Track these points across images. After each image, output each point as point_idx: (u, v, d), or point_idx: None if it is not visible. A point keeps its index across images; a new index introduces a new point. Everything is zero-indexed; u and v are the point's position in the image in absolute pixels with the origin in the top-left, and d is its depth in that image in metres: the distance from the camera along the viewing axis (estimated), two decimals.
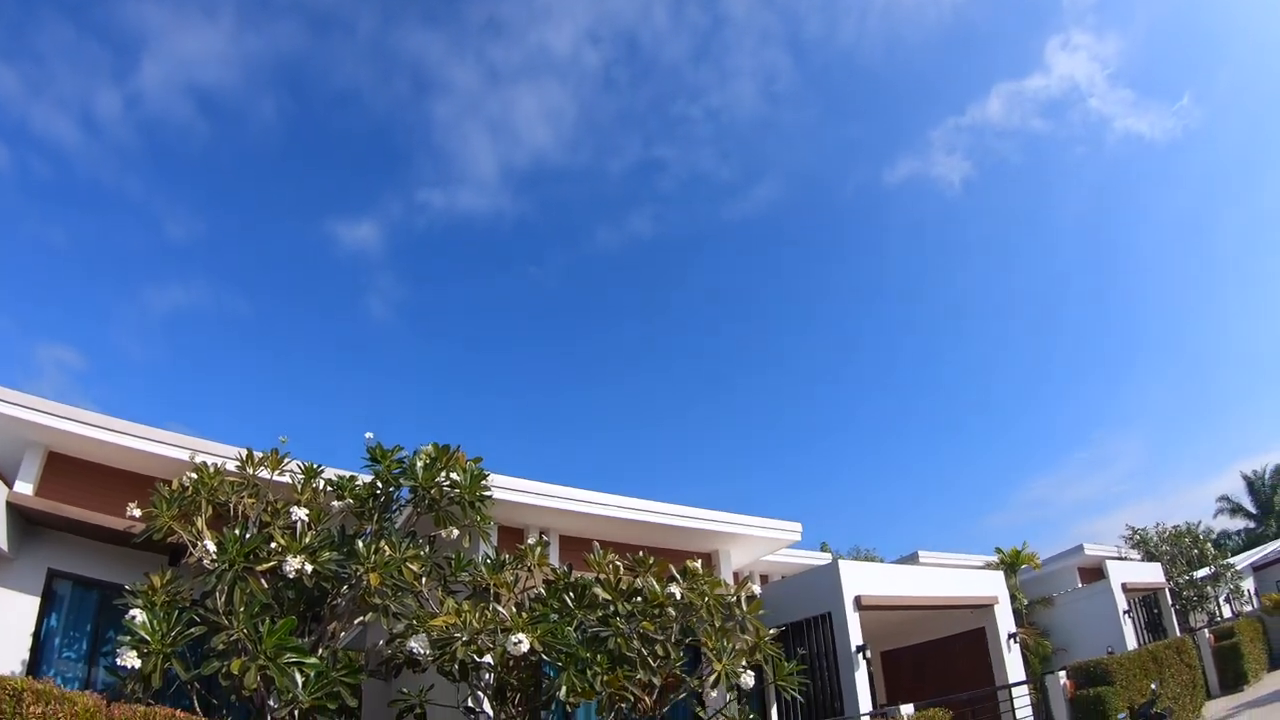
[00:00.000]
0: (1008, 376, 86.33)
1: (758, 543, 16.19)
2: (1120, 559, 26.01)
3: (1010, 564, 24.15)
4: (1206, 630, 22.95)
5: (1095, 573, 24.75)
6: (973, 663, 18.00)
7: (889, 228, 74.47)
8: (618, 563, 10.91)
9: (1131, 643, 21.56)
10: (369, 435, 11.04)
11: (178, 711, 7.29)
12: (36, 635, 12.20)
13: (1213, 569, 30.52)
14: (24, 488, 12.62)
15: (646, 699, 10.02)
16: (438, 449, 10.94)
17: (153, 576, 9.97)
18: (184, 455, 11.92)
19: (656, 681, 10.06)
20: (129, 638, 9.10)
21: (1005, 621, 17.82)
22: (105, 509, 12.28)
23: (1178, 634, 23.07)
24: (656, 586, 10.39)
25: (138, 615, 9.22)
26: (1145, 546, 30.12)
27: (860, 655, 13.85)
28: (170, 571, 10.23)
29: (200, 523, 10.48)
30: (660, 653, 10.17)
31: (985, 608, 17.61)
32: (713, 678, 10.21)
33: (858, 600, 14.24)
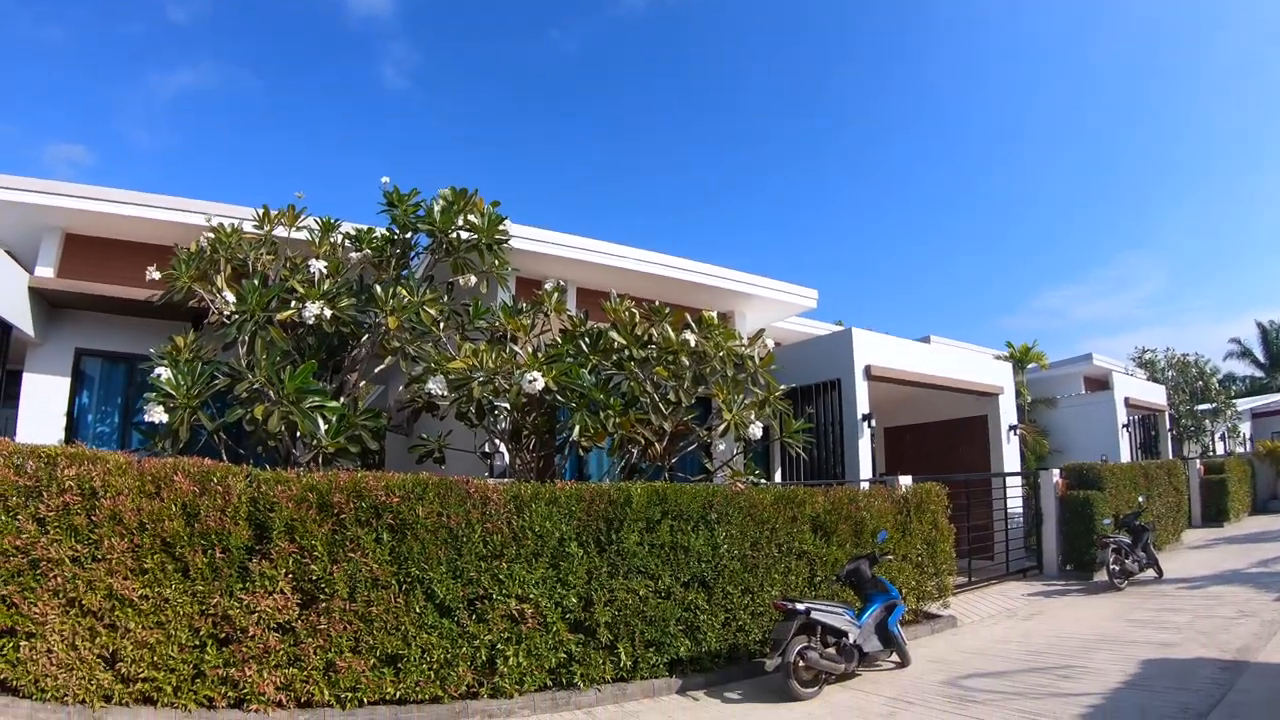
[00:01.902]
0: (1042, 179, 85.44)
1: (773, 305, 16.25)
2: (1126, 375, 26.31)
3: (1019, 360, 24.49)
4: (1198, 461, 23.53)
5: (1100, 384, 25.07)
6: (972, 449, 18.50)
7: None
8: (633, 309, 11.03)
9: (1126, 457, 22.10)
10: (385, 179, 10.96)
11: (205, 459, 7.49)
12: (69, 414, 12.64)
13: (1214, 405, 30.92)
14: (44, 272, 12.81)
15: (657, 445, 10.30)
16: (455, 192, 10.88)
17: (176, 338, 10.15)
18: (200, 220, 11.88)
19: (668, 428, 10.36)
20: (155, 394, 9.38)
21: (1007, 413, 18.19)
22: (126, 284, 12.51)
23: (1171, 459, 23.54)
24: (672, 334, 10.58)
25: (163, 372, 9.45)
26: (1152, 369, 30.45)
27: (865, 424, 14.18)
28: (194, 334, 10.41)
29: (220, 280, 10.60)
30: (672, 399, 10.40)
31: (990, 396, 17.96)
32: (722, 428, 10.49)
33: (867, 370, 14.49)
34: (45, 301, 12.65)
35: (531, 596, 7.80)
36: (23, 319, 11.96)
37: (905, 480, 11.96)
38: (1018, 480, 16.90)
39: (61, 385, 13.01)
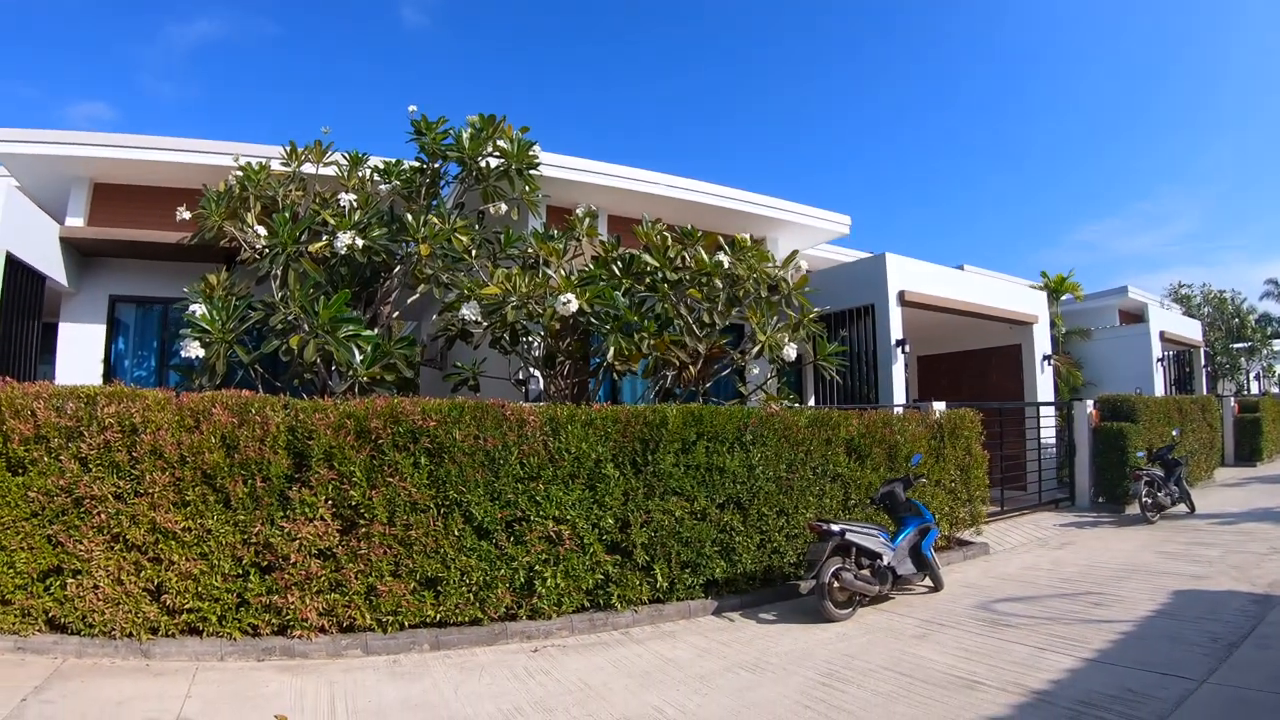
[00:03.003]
0: (1083, 110, 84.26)
1: (806, 232, 16.05)
2: (1162, 308, 25.98)
3: (1054, 290, 24.10)
4: (1232, 399, 23.17)
5: (1135, 318, 24.77)
6: (1005, 378, 18.40)
7: None
8: (665, 232, 10.96)
9: (1160, 392, 21.84)
10: (412, 108, 10.87)
11: (243, 391, 7.55)
12: (106, 359, 12.91)
13: (1250, 343, 30.49)
14: (74, 222, 12.99)
15: (691, 367, 10.30)
16: (483, 119, 10.75)
17: (209, 276, 10.22)
18: (228, 161, 11.93)
19: (702, 350, 10.34)
20: (191, 329, 9.47)
21: (1042, 343, 18.02)
22: (156, 229, 12.67)
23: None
24: (705, 256, 10.51)
25: (198, 309, 9.54)
26: (1187, 304, 30.06)
27: (899, 350, 14.09)
28: (226, 273, 10.48)
29: (250, 218, 10.64)
30: (706, 320, 10.38)
31: (1024, 325, 17.79)
32: (756, 350, 10.45)
33: (901, 295, 14.35)
34: (77, 251, 12.82)
35: (569, 518, 7.86)
36: (56, 269, 12.13)
37: (939, 406, 11.90)
38: (1051, 411, 16.77)
39: (97, 332, 13.23)
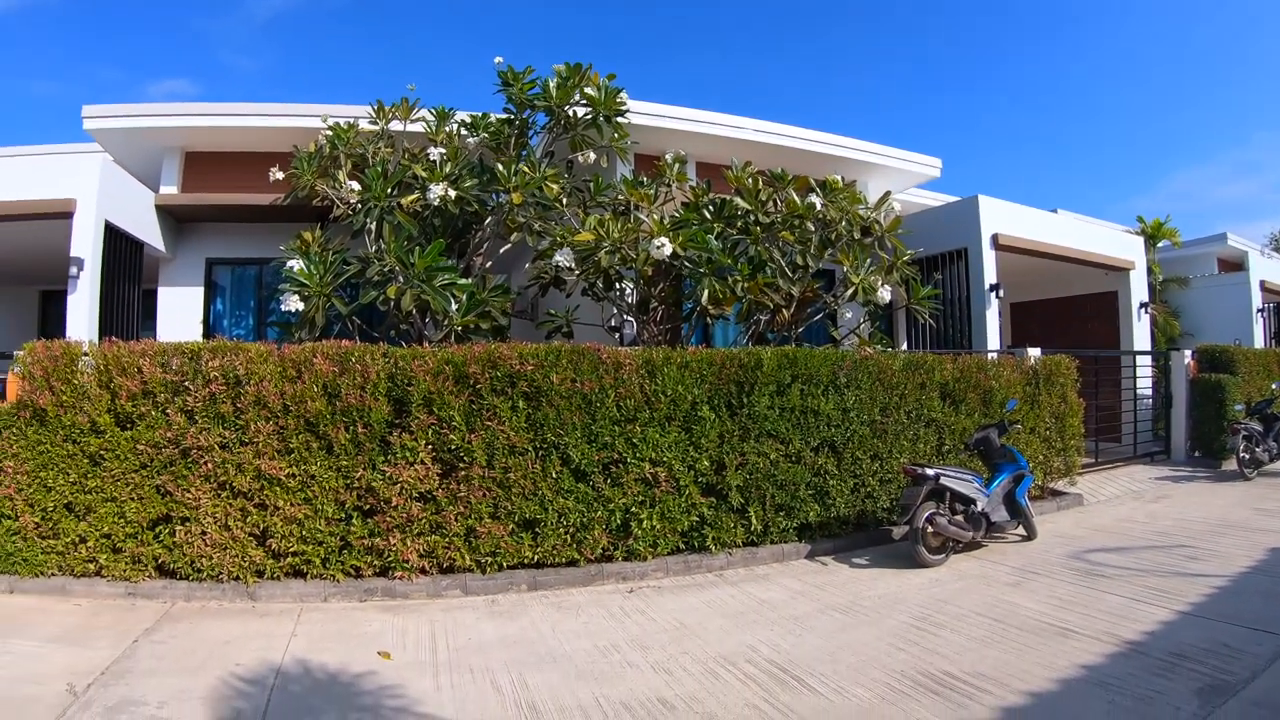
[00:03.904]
0: (1178, 55, 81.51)
1: (896, 175, 15.70)
2: (1263, 257, 24.96)
3: (1150, 235, 23.06)
4: None
5: (1234, 266, 23.66)
6: (1101, 326, 17.88)
7: None
8: (757, 175, 10.84)
9: (1259, 343, 20.96)
10: (498, 59, 10.88)
11: (342, 341, 7.71)
12: (205, 320, 13.33)
13: None
14: (169, 190, 13.37)
15: (785, 311, 10.23)
16: (569, 68, 10.74)
17: (304, 233, 10.43)
18: (315, 123, 12.13)
19: (795, 292, 10.25)
20: (290, 284, 9.69)
21: (1138, 290, 17.43)
22: (247, 193, 13.00)
23: None
24: (796, 199, 10.37)
25: (295, 264, 9.74)
26: None
27: (993, 294, 13.79)
28: (320, 230, 10.69)
29: (341, 175, 10.83)
30: (799, 263, 10.28)
31: (1120, 271, 17.22)
32: (849, 293, 10.32)
33: (995, 238, 13.99)
34: (172, 218, 13.22)
35: (665, 460, 7.90)
36: (153, 236, 12.54)
37: (1034, 352, 11.66)
38: (1147, 361, 16.26)
39: (195, 295, 13.65)
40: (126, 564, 7.39)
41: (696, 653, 5.72)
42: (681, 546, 8.13)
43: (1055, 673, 5.11)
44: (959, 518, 8.26)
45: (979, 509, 8.39)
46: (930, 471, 8.11)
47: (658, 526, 7.87)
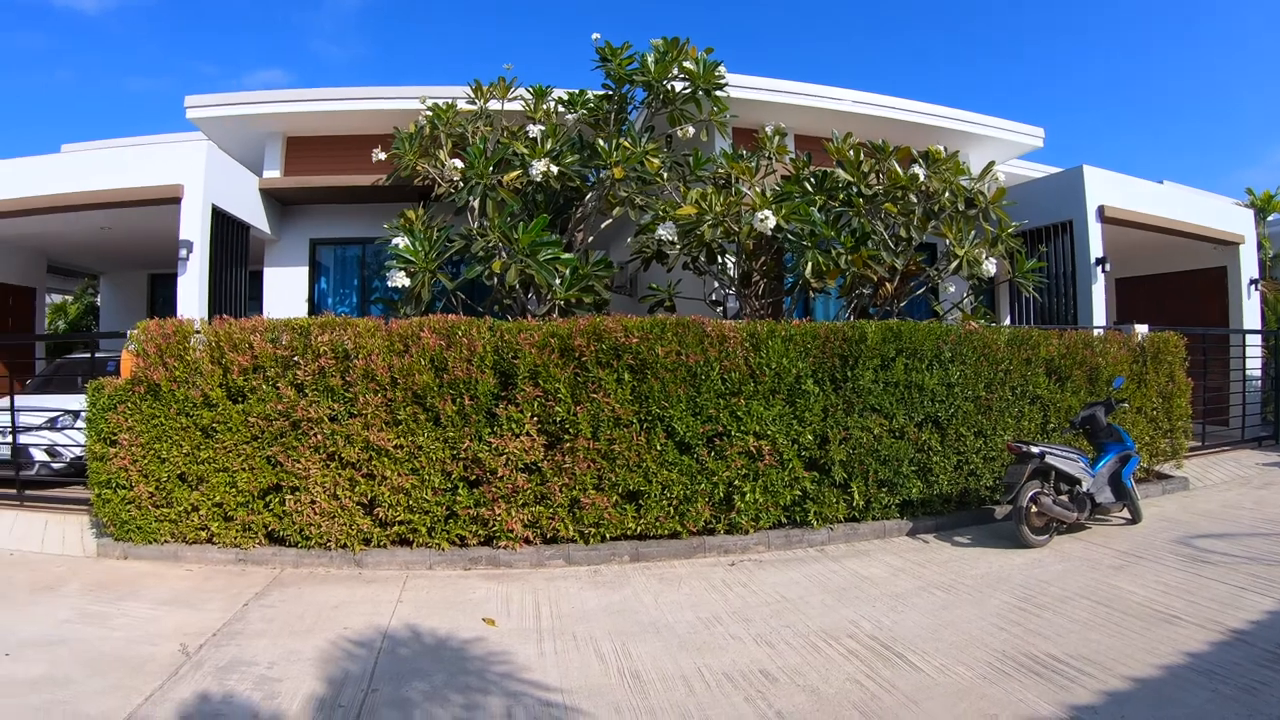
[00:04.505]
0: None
1: (997, 145, 15.18)
2: None
3: (1260, 208, 22.12)
4: None
5: None
6: (1208, 303, 17.14)
7: None
8: (858, 146, 10.69)
9: None
10: (596, 36, 10.88)
11: (449, 315, 7.83)
12: (310, 299, 13.68)
13: None
14: (272, 174, 13.75)
15: (888, 284, 10.11)
16: (667, 42, 10.67)
17: (407, 212, 10.62)
18: (413, 105, 12.40)
19: (898, 265, 10.11)
20: (396, 260, 9.88)
21: (1248, 265, 16.67)
22: (348, 175, 13.32)
23: None
24: (899, 170, 10.21)
25: (400, 241, 9.90)
26: None
27: (1099, 268, 13.41)
28: (422, 209, 10.87)
29: (442, 155, 11.02)
30: (903, 235, 10.15)
31: (1229, 246, 16.50)
32: (953, 266, 10.15)
33: (1101, 210, 13.55)
34: (276, 201, 13.62)
35: (769, 434, 7.88)
36: (258, 218, 12.93)
37: (1141, 329, 11.31)
38: (1257, 340, 15.59)
39: (300, 275, 14.04)
40: (237, 532, 7.69)
41: (798, 626, 5.72)
42: (783, 520, 8.12)
43: (1159, 659, 4.99)
44: (1063, 498, 8.07)
45: (1084, 489, 8.20)
46: (1035, 449, 7.94)
47: (760, 500, 7.87)
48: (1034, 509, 7.83)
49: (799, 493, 8.06)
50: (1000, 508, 8.84)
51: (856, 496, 8.23)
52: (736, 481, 7.80)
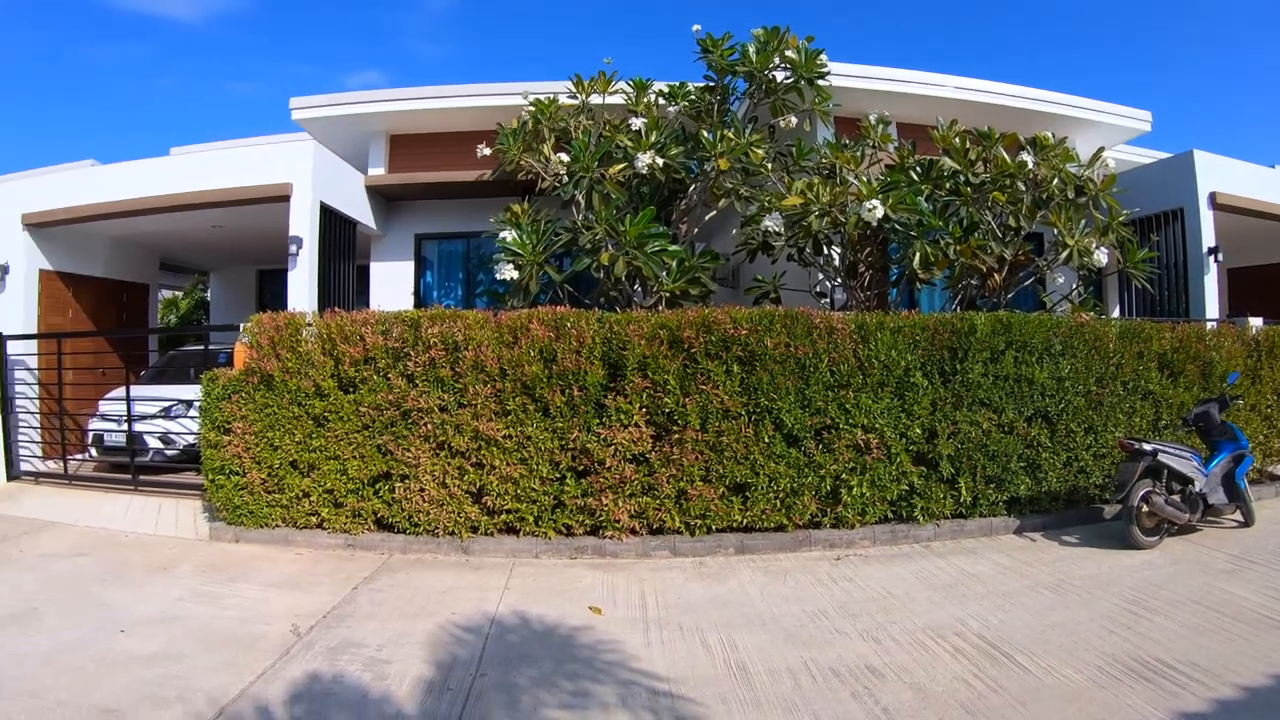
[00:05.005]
0: None
1: (1102, 130, 14.65)
2: None
3: None
4: None
5: None
6: None
7: None
8: (964, 133, 10.54)
9: None
10: (696, 27, 10.88)
11: (556, 307, 7.93)
12: (416, 293, 14.00)
13: None
14: (376, 172, 14.08)
15: (996, 275, 9.95)
16: (768, 31, 10.62)
17: (513, 206, 10.74)
18: (515, 100, 12.56)
19: (1007, 256, 9.92)
20: (504, 254, 10.02)
21: None
22: (452, 171, 13.59)
23: None
24: (1006, 157, 10.01)
25: (508, 235, 10.07)
26: None
27: (1211, 258, 12.97)
28: (528, 203, 11.00)
29: (546, 149, 11.13)
30: (1011, 224, 9.97)
31: None
32: (1064, 256, 9.92)
33: (1212, 197, 13.04)
34: (381, 197, 13.95)
35: (877, 427, 7.82)
36: (364, 214, 13.27)
37: (1255, 322, 10.91)
38: None
39: (406, 269, 14.41)
40: (347, 517, 7.92)
41: (905, 623, 5.68)
42: (889, 515, 8.05)
43: (1272, 668, 4.81)
44: (1175, 498, 7.82)
45: (1196, 489, 7.92)
46: (1147, 447, 7.71)
47: (867, 494, 7.82)
48: (1145, 509, 7.61)
49: (906, 487, 7.98)
50: (1109, 507, 8.60)
51: (964, 492, 8.11)
52: (843, 475, 7.76)
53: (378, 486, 7.96)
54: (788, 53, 10.62)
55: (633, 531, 7.65)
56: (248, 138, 19.23)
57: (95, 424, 11.88)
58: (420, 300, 14.52)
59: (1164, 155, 15.85)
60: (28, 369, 11.66)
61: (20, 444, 11.42)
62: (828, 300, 10.90)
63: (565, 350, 7.54)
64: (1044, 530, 8.29)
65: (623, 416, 7.53)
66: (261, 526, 8.19)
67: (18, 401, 11.41)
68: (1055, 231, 10.14)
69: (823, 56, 10.72)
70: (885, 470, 7.85)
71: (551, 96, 11.74)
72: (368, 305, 13.67)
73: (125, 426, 10.86)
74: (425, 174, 13.64)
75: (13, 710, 4.48)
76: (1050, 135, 10.54)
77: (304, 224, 11.20)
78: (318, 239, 11.38)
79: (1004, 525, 8.25)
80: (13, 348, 11.38)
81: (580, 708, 4.43)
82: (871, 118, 11.10)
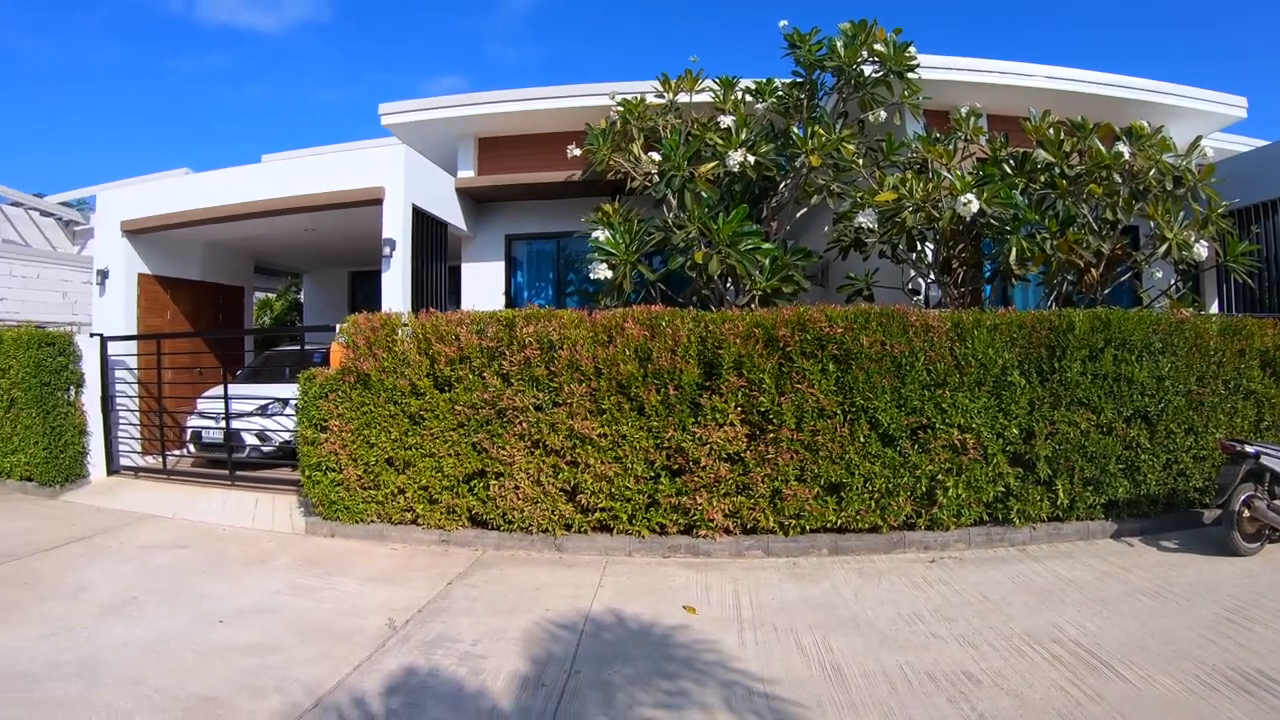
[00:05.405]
0: None
1: (1197, 118, 14.06)
2: None
3: None
4: None
5: None
6: None
7: None
8: (1057, 124, 10.33)
9: None
10: (783, 23, 10.84)
11: (651, 306, 7.98)
12: (507, 293, 14.19)
13: None
14: (465, 174, 14.30)
15: (1093, 271, 9.76)
16: (854, 25, 10.52)
17: (604, 206, 10.84)
18: (601, 101, 12.70)
19: (1105, 250, 9.72)
20: (598, 253, 10.12)
21: None
22: (540, 172, 13.75)
23: None
24: (1101, 147, 9.77)
25: (601, 234, 10.14)
26: None
27: None
28: (618, 203, 11.10)
29: (635, 149, 11.22)
30: (1109, 218, 9.78)
31: None
32: (1163, 249, 9.69)
33: None
34: (471, 199, 14.19)
35: (973, 426, 7.72)
36: (455, 216, 13.50)
37: None
38: None
39: (497, 269, 14.66)
40: (441, 514, 8.09)
41: (1001, 628, 5.62)
42: (984, 518, 7.94)
43: None
44: (1279, 503, 7.64)
45: None
46: (1250, 449, 7.47)
47: (963, 496, 7.73)
48: (1247, 514, 7.38)
49: (1002, 489, 7.87)
50: (1209, 512, 8.37)
51: (1061, 495, 7.96)
52: (939, 476, 7.69)
53: (472, 484, 8.11)
54: (876, 46, 10.53)
55: (726, 531, 7.68)
56: (335, 144, 19.76)
57: (193, 421, 12.29)
58: (511, 300, 14.74)
59: (1261, 143, 15.34)
60: (127, 369, 12.08)
61: (120, 440, 11.84)
62: (920, 297, 10.78)
63: (660, 349, 7.60)
64: (1141, 535, 8.10)
65: (718, 415, 7.55)
66: (357, 522, 8.40)
67: (117, 400, 11.83)
68: (1152, 224, 9.88)
69: (911, 49, 10.60)
70: (981, 471, 7.75)
71: (639, 96, 11.80)
72: (459, 305, 13.88)
73: (222, 424, 11.20)
74: (514, 175, 13.82)
75: (114, 696, 4.68)
76: (1146, 124, 10.25)
77: (397, 226, 11.42)
78: (410, 240, 11.58)
79: (1101, 529, 8.09)
80: (113, 348, 11.81)
81: (676, 707, 4.49)
82: (962, 110, 10.91)
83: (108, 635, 5.66)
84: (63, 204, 23.27)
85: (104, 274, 13.16)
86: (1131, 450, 8.20)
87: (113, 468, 11.75)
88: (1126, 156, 9.66)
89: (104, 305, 13.18)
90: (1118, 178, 9.73)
